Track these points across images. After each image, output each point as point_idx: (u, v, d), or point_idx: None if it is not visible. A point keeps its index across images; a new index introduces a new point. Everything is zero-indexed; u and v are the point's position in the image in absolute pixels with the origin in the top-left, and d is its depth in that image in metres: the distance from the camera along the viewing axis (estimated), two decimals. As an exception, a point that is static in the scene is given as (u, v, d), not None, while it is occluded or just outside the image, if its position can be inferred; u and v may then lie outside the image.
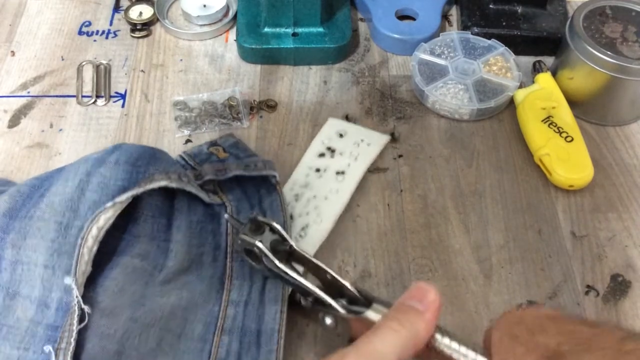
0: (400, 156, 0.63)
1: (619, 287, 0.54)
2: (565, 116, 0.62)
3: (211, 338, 0.48)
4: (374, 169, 0.61)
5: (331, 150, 0.61)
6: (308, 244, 0.55)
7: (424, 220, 0.58)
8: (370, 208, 0.59)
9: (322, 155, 0.61)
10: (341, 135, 0.63)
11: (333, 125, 0.64)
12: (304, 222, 0.56)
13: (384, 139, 0.63)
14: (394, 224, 0.58)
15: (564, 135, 0.61)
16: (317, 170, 0.60)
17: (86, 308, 0.44)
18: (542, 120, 0.62)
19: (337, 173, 0.60)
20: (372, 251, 0.56)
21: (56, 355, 0.43)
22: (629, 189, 0.61)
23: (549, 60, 0.70)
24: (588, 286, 0.54)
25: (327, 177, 0.59)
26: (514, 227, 0.58)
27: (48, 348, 0.43)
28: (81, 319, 0.44)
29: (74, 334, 0.43)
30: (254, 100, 0.67)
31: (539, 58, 0.70)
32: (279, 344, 0.47)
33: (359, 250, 0.56)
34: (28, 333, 0.45)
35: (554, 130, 0.61)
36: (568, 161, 0.59)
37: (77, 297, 0.44)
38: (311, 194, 0.58)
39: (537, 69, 0.68)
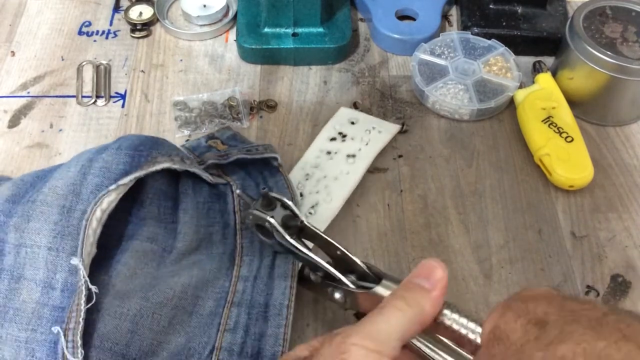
0: (400, 156, 0.63)
1: (619, 287, 0.54)
2: (565, 116, 0.62)
3: (221, 312, 0.49)
4: (373, 169, 0.61)
5: (342, 135, 0.62)
6: (318, 221, 0.56)
7: (424, 220, 0.58)
8: (370, 208, 0.59)
9: (333, 139, 0.62)
10: (353, 123, 0.63)
11: (345, 114, 0.64)
12: (314, 200, 0.57)
13: (395, 128, 0.63)
14: (394, 224, 0.58)
15: (564, 135, 0.61)
16: (328, 152, 0.61)
17: (93, 288, 0.44)
18: (542, 121, 0.62)
19: (348, 156, 0.60)
20: (372, 251, 0.56)
21: (65, 335, 0.43)
22: (629, 189, 0.61)
23: (549, 61, 0.70)
24: (588, 286, 0.54)
25: (338, 159, 0.60)
26: (514, 227, 0.58)
27: (56, 329, 0.44)
28: (88, 299, 0.44)
29: (82, 314, 0.43)
30: (254, 101, 0.67)
31: (539, 58, 0.70)
32: (288, 319, 0.47)
33: (359, 251, 0.56)
34: (34, 315, 0.45)
35: (554, 131, 0.61)
36: (568, 161, 0.59)
37: (83, 277, 0.44)
38: (321, 174, 0.59)
39: (537, 69, 0.68)
